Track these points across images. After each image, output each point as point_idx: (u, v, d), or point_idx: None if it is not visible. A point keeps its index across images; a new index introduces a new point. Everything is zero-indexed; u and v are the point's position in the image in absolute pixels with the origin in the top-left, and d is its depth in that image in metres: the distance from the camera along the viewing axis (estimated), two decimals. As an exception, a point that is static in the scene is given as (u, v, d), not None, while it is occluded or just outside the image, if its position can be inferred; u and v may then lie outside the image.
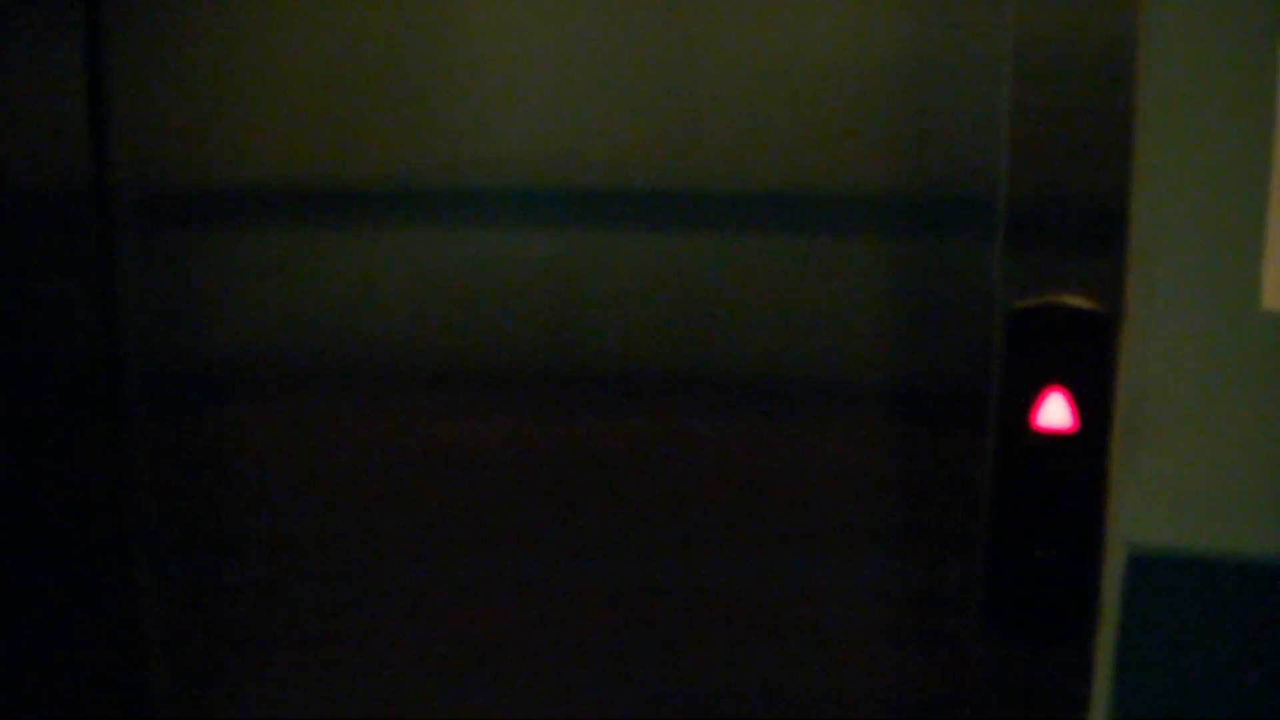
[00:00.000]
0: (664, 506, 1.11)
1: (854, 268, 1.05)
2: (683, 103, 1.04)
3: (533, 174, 1.07)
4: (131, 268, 1.10)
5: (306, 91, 1.07)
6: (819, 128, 1.03)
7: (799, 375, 1.08)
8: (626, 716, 1.15)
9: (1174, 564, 1.07)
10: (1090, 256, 0.99)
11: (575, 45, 1.05)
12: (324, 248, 1.08)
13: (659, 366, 1.08)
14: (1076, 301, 0.99)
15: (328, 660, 1.16)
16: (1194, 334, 1.05)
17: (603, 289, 1.07)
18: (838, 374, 1.07)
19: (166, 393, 1.12)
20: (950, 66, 1.01)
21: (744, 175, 1.05)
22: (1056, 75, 0.97)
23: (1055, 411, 1.00)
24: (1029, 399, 1.00)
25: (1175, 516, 1.08)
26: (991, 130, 1.01)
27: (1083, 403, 1.00)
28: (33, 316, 1.09)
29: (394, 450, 1.11)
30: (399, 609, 1.14)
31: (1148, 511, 1.08)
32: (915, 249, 1.04)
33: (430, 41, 1.06)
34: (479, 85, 1.06)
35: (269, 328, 1.10)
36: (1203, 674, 1.09)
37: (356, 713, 1.17)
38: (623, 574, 1.12)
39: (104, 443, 1.11)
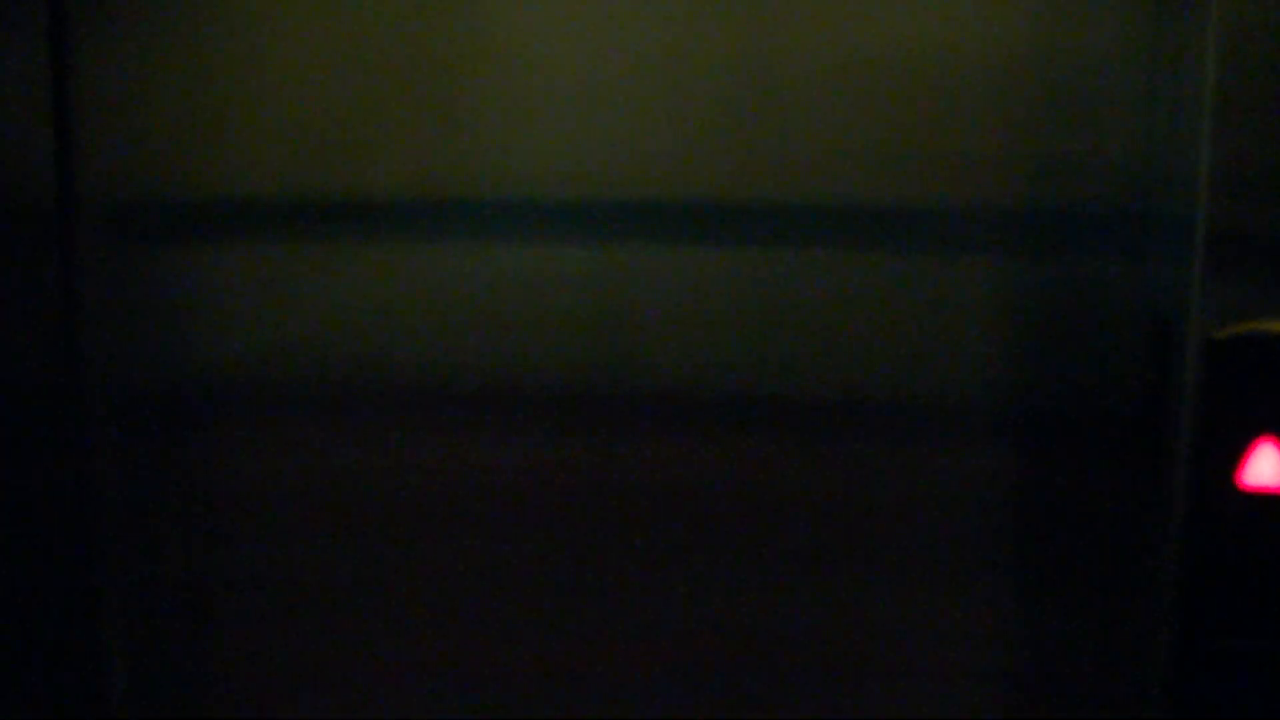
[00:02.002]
0: (752, 538, 1.00)
1: (995, 286, 0.95)
2: (790, 108, 0.95)
3: (612, 185, 0.98)
4: (98, 283, 1.01)
5: (299, 96, 0.98)
6: (952, 139, 0.95)
7: (925, 400, 0.98)
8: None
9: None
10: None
11: (630, 34, 0.95)
12: (314, 264, 1.00)
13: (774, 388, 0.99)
14: (1290, 330, 0.84)
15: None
16: None
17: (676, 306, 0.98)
18: (970, 397, 0.97)
19: (136, 412, 1.03)
20: (1125, 66, 0.91)
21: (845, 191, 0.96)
22: (1269, 77, 0.84)
23: (1265, 466, 0.84)
24: (1234, 452, 0.84)
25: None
26: (1149, 136, 0.92)
27: (1298, 456, 0.84)
28: None
29: (394, 476, 1.02)
30: (421, 646, 1.04)
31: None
32: (1068, 267, 0.95)
33: (453, 31, 0.96)
34: (513, 84, 0.96)
35: (255, 347, 1.02)
36: None
37: None
38: (705, 612, 1.02)
39: (65, 462, 1.02)
